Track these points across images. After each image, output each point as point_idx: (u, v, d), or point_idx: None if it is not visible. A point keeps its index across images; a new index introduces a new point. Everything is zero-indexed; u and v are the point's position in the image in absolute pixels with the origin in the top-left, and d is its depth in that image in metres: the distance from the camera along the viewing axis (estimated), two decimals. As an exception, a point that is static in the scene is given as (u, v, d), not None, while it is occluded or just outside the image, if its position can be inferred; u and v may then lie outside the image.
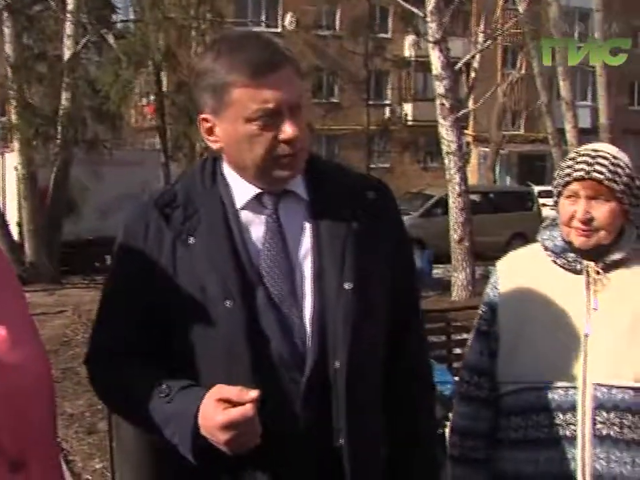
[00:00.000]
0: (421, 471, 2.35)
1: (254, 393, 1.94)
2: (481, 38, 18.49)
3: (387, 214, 2.29)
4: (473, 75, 23.31)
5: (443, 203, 18.93)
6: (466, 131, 35.68)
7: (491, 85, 22.98)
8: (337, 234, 2.17)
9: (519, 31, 26.23)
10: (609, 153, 2.58)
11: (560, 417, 2.53)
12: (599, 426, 2.49)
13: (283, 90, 2.07)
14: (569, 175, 2.57)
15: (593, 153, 2.57)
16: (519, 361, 2.60)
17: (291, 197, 2.21)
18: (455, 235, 13.00)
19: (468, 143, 39.37)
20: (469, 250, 12.98)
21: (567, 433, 2.52)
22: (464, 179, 13.08)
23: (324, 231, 2.18)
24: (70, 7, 18.87)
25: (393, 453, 2.32)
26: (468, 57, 16.06)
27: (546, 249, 2.69)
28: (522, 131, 40.85)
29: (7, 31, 18.78)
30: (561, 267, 2.65)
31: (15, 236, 19.38)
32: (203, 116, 2.17)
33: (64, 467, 6.62)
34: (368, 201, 2.24)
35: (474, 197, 19.83)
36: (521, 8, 19.60)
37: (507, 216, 23.61)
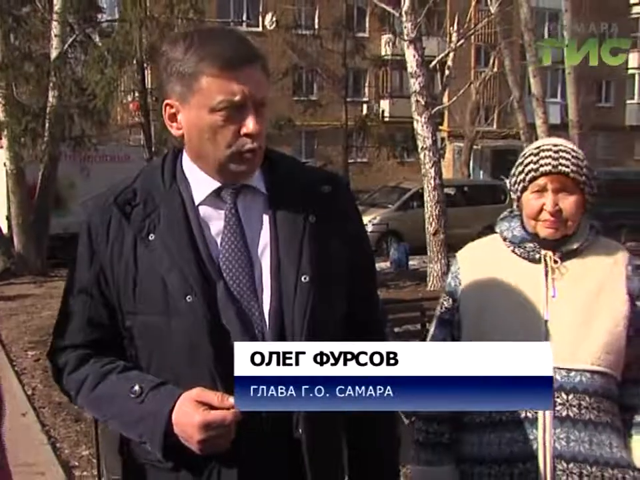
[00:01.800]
0: (381, 458, 2.36)
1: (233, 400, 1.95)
2: (454, 37, 18.49)
3: (342, 207, 2.28)
4: (447, 72, 23.32)
5: (418, 196, 18.96)
6: (441, 127, 35.76)
7: (465, 83, 23.02)
8: (294, 228, 2.16)
9: (491, 30, 26.28)
10: (568, 147, 2.63)
11: None
12: (558, 407, 2.54)
13: (250, 85, 2.06)
14: (535, 170, 2.60)
15: (555, 148, 2.61)
16: None
17: (249, 191, 2.20)
18: (430, 227, 13.01)
19: (443, 139, 39.44)
20: (444, 241, 13.00)
21: (529, 414, 2.56)
22: (439, 173, 13.09)
23: (282, 225, 2.16)
24: (57, 7, 18.76)
25: (353, 440, 2.34)
26: (442, 55, 16.06)
27: (505, 239, 2.73)
28: (495, 127, 40.86)
29: (-6, 32, 18.72)
30: (519, 256, 2.69)
31: (4, 229, 19.31)
32: (167, 101, 2.15)
33: (51, 453, 6.61)
34: (324, 195, 2.23)
35: (448, 190, 19.86)
36: (493, 8, 19.61)
37: (480, 209, 23.63)
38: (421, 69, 12.82)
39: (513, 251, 2.70)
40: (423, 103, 12.77)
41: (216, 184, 2.18)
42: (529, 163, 2.63)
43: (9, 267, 18.02)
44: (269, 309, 2.13)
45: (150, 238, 2.12)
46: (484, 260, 2.76)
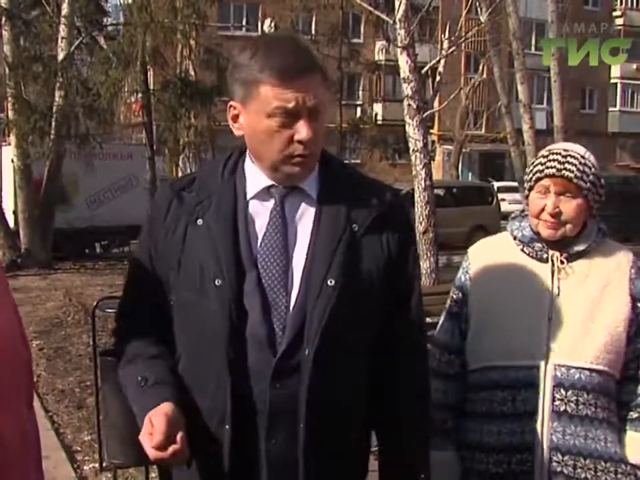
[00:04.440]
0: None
1: (164, 453, 1.99)
2: (445, 44, 18.43)
3: (390, 219, 2.25)
4: (438, 78, 23.23)
5: (409, 197, 18.96)
6: (431, 131, 35.73)
7: (455, 88, 23.06)
8: (333, 233, 2.18)
9: (481, 38, 26.28)
10: (578, 154, 2.63)
11: (523, 394, 2.59)
12: (557, 403, 2.56)
13: (304, 94, 2.10)
14: (540, 171, 2.62)
15: (564, 153, 2.62)
16: (488, 342, 2.66)
17: (299, 193, 2.23)
18: (420, 227, 12.97)
19: (433, 142, 39.45)
20: (433, 240, 12.97)
21: (529, 408, 2.57)
22: (429, 174, 13.06)
23: (322, 229, 2.18)
24: (64, 11, 18.82)
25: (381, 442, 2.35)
26: (434, 61, 16.01)
27: (515, 238, 2.74)
28: (483, 131, 40.95)
29: (5, 34, 18.75)
30: (528, 255, 2.70)
31: (11, 223, 19.31)
32: (231, 103, 2.21)
33: (55, 438, 6.61)
34: (373, 205, 2.23)
35: (438, 191, 19.82)
36: (483, 18, 19.63)
37: (468, 209, 23.69)
38: (413, 75, 12.78)
39: (522, 250, 2.70)
40: (415, 107, 12.74)
41: (268, 182, 2.22)
42: (538, 164, 2.64)
43: (15, 260, 18.02)
44: (293, 305, 2.14)
45: (198, 223, 2.19)
46: (494, 257, 2.76)
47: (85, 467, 6.10)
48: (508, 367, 2.61)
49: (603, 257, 2.68)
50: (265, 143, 2.15)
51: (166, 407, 2.06)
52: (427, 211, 12.90)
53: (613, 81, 52.22)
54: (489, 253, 2.80)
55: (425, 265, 13.04)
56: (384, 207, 2.25)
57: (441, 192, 22.36)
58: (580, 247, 2.66)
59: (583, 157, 2.63)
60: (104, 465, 5.77)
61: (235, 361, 2.09)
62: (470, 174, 47.10)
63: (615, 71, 50.78)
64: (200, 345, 2.18)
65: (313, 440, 2.13)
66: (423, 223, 12.91)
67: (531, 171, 2.67)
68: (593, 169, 2.63)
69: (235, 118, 2.22)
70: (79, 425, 7.08)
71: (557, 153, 2.63)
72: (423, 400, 2.35)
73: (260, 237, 2.19)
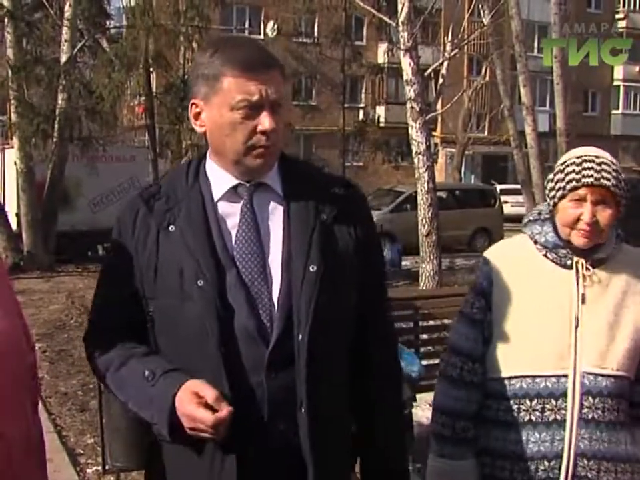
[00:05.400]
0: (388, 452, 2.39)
1: (225, 410, 2.01)
2: (448, 47, 18.43)
3: (353, 209, 2.33)
4: (441, 80, 23.23)
5: (412, 199, 18.93)
6: (434, 133, 35.70)
7: (458, 91, 22.98)
8: (305, 224, 2.23)
9: (483, 41, 26.29)
10: (608, 159, 2.58)
11: (552, 403, 2.57)
12: (585, 410, 2.56)
13: (267, 87, 2.15)
14: (577, 180, 2.54)
15: (597, 160, 2.56)
16: (514, 350, 2.63)
17: (265, 189, 2.27)
18: (423, 229, 12.98)
19: (436, 144, 39.43)
20: (436, 243, 12.97)
21: (558, 416, 2.57)
22: (432, 177, 13.06)
23: (294, 221, 2.23)
24: (67, 14, 18.84)
25: (361, 441, 2.38)
26: (437, 64, 16.04)
27: (536, 242, 2.68)
28: (486, 133, 40.81)
29: (7, 36, 18.77)
30: (551, 260, 2.65)
31: (14, 226, 19.32)
32: (193, 101, 2.24)
33: (57, 441, 6.60)
34: (336, 196, 2.30)
35: (441, 193, 19.83)
36: (486, 20, 19.63)
37: (471, 212, 23.70)
38: (416, 77, 12.79)
39: (545, 255, 2.65)
40: (418, 109, 12.75)
41: (234, 181, 2.26)
42: (571, 172, 2.55)
43: (18, 262, 18.02)
44: (277, 295, 2.19)
45: (170, 229, 2.21)
46: (515, 262, 2.70)
47: (88, 470, 6.11)
48: (536, 376, 2.59)
49: (623, 262, 2.65)
50: (229, 135, 2.19)
51: (197, 381, 2.09)
52: (429, 214, 12.90)
53: (615, 83, 52.20)
54: (509, 257, 2.74)
55: (427, 267, 13.04)
56: (347, 198, 2.33)
57: (443, 194, 22.39)
58: (603, 254, 2.62)
59: (613, 162, 2.58)
60: (107, 467, 5.74)
61: (228, 358, 2.12)
62: (473, 176, 47.06)
63: (618, 73, 50.77)
64: (187, 347, 2.18)
65: (314, 424, 2.16)
66: (426, 226, 12.91)
67: (563, 178, 2.58)
68: (622, 175, 2.58)
69: (197, 116, 2.26)
70: (81, 428, 7.08)
71: (590, 161, 2.55)
72: (392, 379, 2.43)
73: (233, 235, 2.23)
